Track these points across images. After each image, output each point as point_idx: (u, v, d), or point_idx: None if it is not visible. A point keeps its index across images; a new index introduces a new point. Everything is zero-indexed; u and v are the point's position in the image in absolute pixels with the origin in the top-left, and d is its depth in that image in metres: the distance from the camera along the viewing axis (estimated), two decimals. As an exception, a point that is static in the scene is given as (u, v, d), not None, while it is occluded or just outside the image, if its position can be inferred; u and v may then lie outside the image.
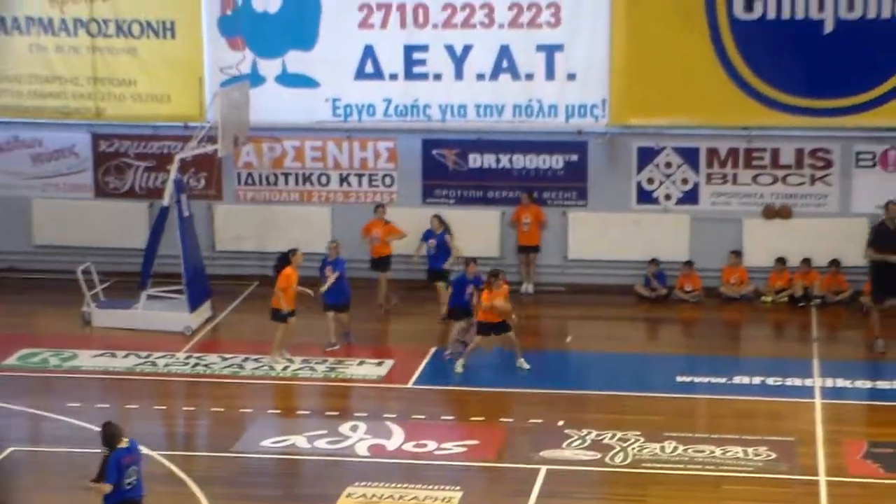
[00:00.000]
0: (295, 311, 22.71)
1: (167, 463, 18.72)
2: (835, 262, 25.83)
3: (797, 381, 21.73)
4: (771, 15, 25.36)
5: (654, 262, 26.11)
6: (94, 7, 26.93)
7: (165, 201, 24.64)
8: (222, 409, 20.89)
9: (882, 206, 25.47)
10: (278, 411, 20.94)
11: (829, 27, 25.27)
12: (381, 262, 25.48)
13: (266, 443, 19.52)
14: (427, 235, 25.13)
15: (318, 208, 27.14)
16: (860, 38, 25.21)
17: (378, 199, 26.95)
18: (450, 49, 26.39)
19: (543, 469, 18.45)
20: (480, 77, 26.42)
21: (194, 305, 24.58)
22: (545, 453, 18.94)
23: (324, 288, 23.41)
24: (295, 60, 26.80)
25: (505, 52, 26.26)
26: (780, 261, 26.03)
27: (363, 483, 18.05)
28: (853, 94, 25.43)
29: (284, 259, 22.81)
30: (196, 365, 22.82)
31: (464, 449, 19.23)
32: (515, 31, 26.18)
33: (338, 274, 23.42)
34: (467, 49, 26.34)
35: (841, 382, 21.71)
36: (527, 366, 22.30)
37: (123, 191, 27.75)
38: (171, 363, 22.87)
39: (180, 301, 24.60)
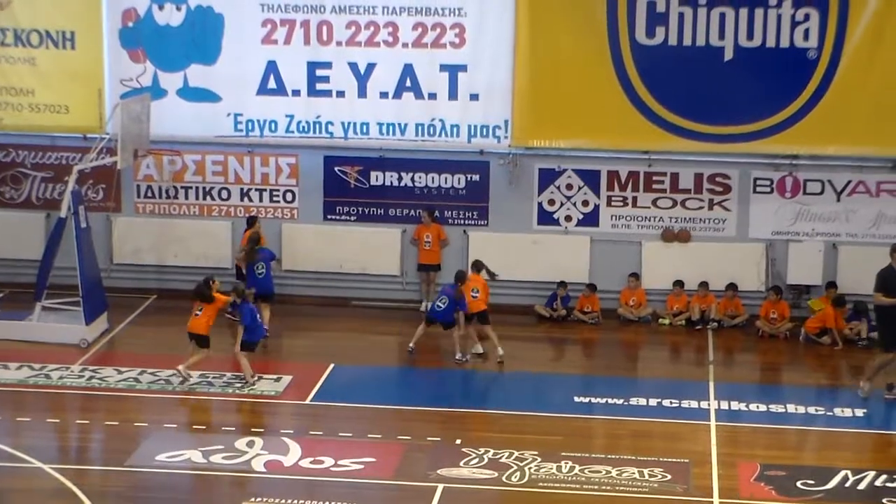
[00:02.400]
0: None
1: (59, 476, 18.52)
2: (732, 286, 26.08)
3: (693, 404, 21.89)
4: (672, 41, 25.54)
5: (563, 284, 26.19)
6: (-8, 16, 26.71)
7: (63, 213, 24.35)
8: (117, 423, 20.67)
9: (778, 231, 26.20)
10: (174, 426, 20.71)
11: (728, 54, 25.50)
12: None
13: (161, 457, 19.31)
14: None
15: (219, 222, 26.97)
16: (759, 66, 25.45)
17: (278, 215, 27.00)
18: (353, 66, 26.36)
19: (440, 487, 18.44)
20: (383, 95, 26.41)
21: (90, 318, 24.31)
22: (442, 471, 18.93)
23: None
24: (197, 74, 26.67)
25: (408, 70, 26.28)
26: (678, 284, 26.27)
27: (259, 499, 17.94)
28: (752, 121, 25.67)
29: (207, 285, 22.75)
30: (91, 378, 22.57)
31: (361, 466, 19.16)
32: (419, 51, 26.21)
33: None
34: (371, 67, 26.34)
35: (735, 405, 21.90)
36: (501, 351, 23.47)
37: (19, 201, 27.42)
38: (66, 376, 22.61)
39: (76, 313, 24.31)
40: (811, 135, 25.58)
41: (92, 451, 20.41)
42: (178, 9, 26.47)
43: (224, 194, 27.17)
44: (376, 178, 26.87)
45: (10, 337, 24.22)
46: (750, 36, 25.40)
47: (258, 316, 23.04)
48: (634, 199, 26.49)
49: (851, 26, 25.13)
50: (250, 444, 19.79)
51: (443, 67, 26.24)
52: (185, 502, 18.30)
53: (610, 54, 25.65)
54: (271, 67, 26.47)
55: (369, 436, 20.38)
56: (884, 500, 18.41)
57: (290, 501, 17.92)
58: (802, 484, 18.76)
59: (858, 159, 25.83)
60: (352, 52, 26.31)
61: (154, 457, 19.33)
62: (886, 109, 25.29)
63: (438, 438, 20.16)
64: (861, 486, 18.77)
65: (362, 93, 26.45)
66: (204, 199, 27.21)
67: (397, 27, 26.17)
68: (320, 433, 20.49)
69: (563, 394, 22.32)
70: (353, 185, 26.91)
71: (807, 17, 25.22)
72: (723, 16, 25.37)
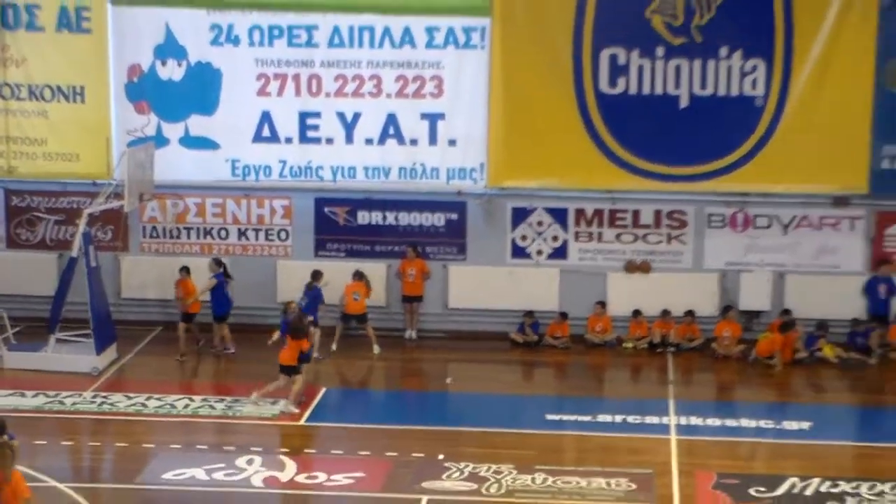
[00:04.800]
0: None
1: (74, 495, 18.54)
2: (689, 313, 26.20)
3: (655, 419, 21.96)
4: (633, 90, 25.75)
5: (530, 314, 26.27)
6: (7, 72, 26.71)
7: (74, 252, 24.45)
8: (126, 445, 20.68)
9: (730, 262, 26.29)
10: (179, 446, 20.68)
11: (684, 102, 25.72)
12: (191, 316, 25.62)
13: (167, 475, 19.32)
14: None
15: (218, 261, 27.05)
16: (712, 113, 25.61)
17: (273, 253, 27.05)
18: (341, 116, 26.47)
19: (425, 499, 18.49)
20: (369, 142, 26.50)
21: (101, 348, 24.36)
22: (426, 484, 18.97)
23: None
24: (197, 124, 26.74)
25: (392, 119, 26.40)
26: (637, 312, 26.31)
27: (259, 512, 18.05)
28: (706, 162, 25.82)
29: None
30: (102, 403, 22.58)
31: (352, 481, 19.20)
32: (401, 101, 26.32)
33: None
34: (357, 116, 26.45)
35: (694, 420, 21.96)
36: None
37: (34, 242, 27.45)
38: (79, 402, 22.61)
39: (87, 344, 24.35)
40: (760, 174, 25.73)
41: (104, 470, 20.39)
42: (180, 64, 26.57)
43: (223, 234, 27.21)
44: (363, 217, 26.93)
45: (27, 367, 24.21)
46: (703, 85, 25.61)
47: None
48: (600, 234, 26.57)
49: (795, 75, 25.39)
50: (249, 462, 19.79)
51: (423, 116, 26.36)
52: (192, 516, 18.38)
53: (576, 102, 25.83)
54: (265, 117, 26.56)
55: (359, 453, 20.37)
56: (827, 504, 18.73)
57: (287, 513, 18.06)
58: (755, 491, 18.86)
59: (802, 196, 26.00)
60: (339, 102, 26.41)
61: (161, 475, 19.34)
62: (827, 151, 25.51)
63: (422, 454, 20.16)
64: (807, 492, 18.89)
65: (349, 140, 26.52)
66: (204, 238, 27.25)
67: (381, 79, 26.29)
68: (314, 451, 20.61)
69: (536, 412, 22.32)
70: (342, 224, 26.95)
71: (754, 68, 25.47)
72: (678, 67, 25.61)
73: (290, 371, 22.38)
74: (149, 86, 26.74)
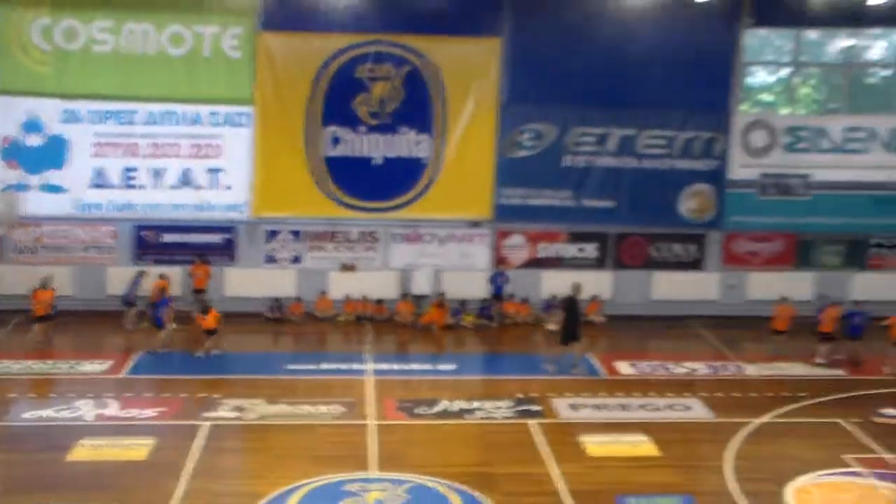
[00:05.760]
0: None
1: (-44, 432, 17.13)
2: (381, 299, 26.03)
3: (358, 366, 21.80)
4: (346, 153, 25.47)
5: (277, 299, 25.69)
6: (-88, 139, 24.57)
7: (-39, 263, 22.67)
8: (-5, 395, 19.24)
9: (408, 263, 26.14)
10: (34, 396, 19.38)
11: (378, 161, 25.61)
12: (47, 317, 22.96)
13: (26, 415, 18.16)
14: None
15: (65, 268, 25.38)
16: (395, 168, 25.50)
17: (104, 262, 25.58)
18: (152, 170, 25.35)
19: (207, 424, 17.95)
20: (172, 187, 25.45)
21: (-20, 330, 22.59)
22: (207, 414, 18.43)
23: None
24: (52, 176, 25.13)
25: (187, 172, 25.42)
26: (348, 297, 26.02)
27: (91, 437, 17.14)
28: (391, 200, 25.77)
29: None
30: (-20, 368, 20.93)
31: (157, 413, 18.47)
32: (194, 160, 25.35)
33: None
34: (163, 170, 25.37)
35: (383, 366, 21.89)
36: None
37: (-68, 257, 25.29)
38: (-37, 367, 20.89)
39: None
40: (425, 207, 25.81)
41: (-21, 414, 18.92)
42: (39, 136, 24.99)
43: (69, 250, 25.59)
44: (167, 237, 25.81)
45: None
46: (390, 150, 25.53)
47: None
48: (323, 246, 26.16)
49: (448, 145, 25.58)
50: (85, 404, 18.81)
51: (208, 170, 25.47)
52: (43, 442, 17.17)
53: (307, 161, 25.41)
54: (99, 171, 25.20)
55: (161, 394, 19.60)
56: (464, 416, 18.82)
57: (111, 438, 17.13)
58: (420, 410, 19.01)
59: (451, 221, 26.20)
60: (151, 161, 25.28)
61: (21, 415, 18.19)
62: (467, 193, 25.79)
63: (204, 394, 19.56)
64: (454, 409, 19.14)
65: (158, 186, 25.41)
66: (56, 253, 25.57)
67: (180, 146, 25.32)
68: (130, 394, 19.59)
69: (280, 364, 21.88)
70: (153, 242, 25.81)
71: (422, 141, 25.60)
72: (375, 139, 25.49)
73: (214, 332, 21.92)
74: (18, 150, 25.03)
